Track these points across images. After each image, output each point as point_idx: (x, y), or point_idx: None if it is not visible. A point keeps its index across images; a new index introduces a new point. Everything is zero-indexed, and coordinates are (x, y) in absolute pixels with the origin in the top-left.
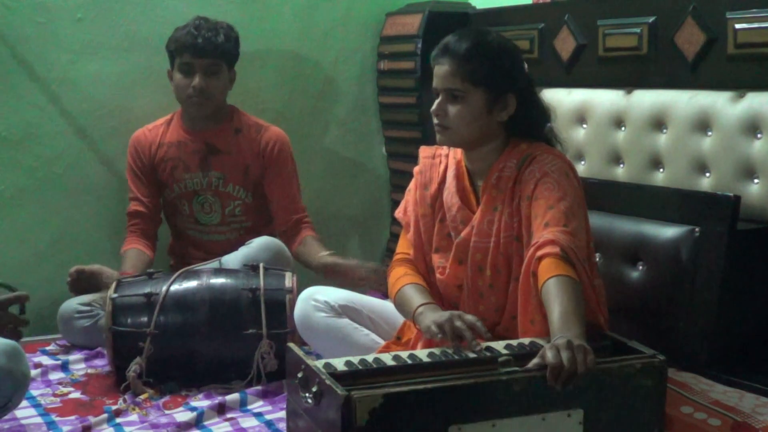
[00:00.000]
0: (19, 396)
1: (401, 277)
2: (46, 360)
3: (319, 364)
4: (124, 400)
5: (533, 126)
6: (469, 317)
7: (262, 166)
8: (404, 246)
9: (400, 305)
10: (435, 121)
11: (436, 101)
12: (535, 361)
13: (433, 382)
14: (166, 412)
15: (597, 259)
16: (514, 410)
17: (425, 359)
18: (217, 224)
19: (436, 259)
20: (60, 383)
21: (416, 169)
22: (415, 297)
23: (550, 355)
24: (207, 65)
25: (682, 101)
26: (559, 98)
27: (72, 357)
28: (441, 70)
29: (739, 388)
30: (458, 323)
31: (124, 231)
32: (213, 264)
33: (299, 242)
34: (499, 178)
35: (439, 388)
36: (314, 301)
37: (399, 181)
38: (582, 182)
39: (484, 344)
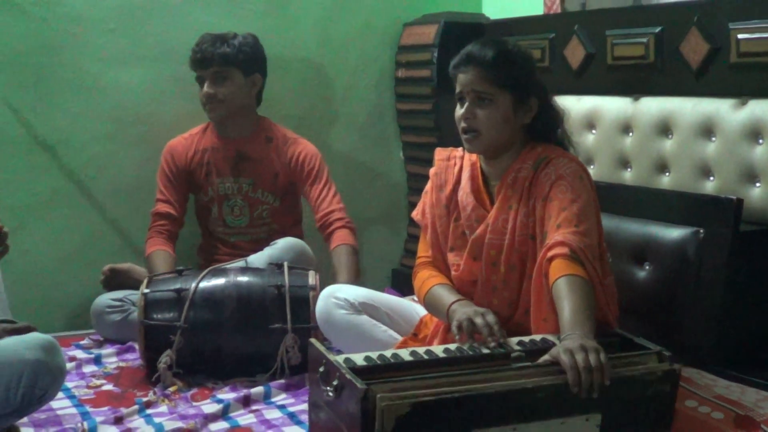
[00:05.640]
0: (55, 388)
1: (427, 279)
2: (80, 354)
3: (339, 359)
4: (154, 392)
5: (549, 129)
6: (491, 318)
7: (290, 175)
8: (424, 249)
9: (431, 305)
10: (463, 125)
11: (465, 106)
12: (546, 358)
13: (455, 384)
14: (194, 403)
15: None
16: (534, 415)
17: (441, 355)
18: (245, 226)
19: (451, 258)
20: (93, 376)
21: (432, 171)
22: (446, 295)
23: (565, 358)
24: (213, 74)
25: (687, 108)
26: (569, 105)
27: (104, 351)
28: (467, 77)
29: (741, 383)
30: (479, 320)
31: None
32: (239, 263)
33: (333, 248)
34: (515, 179)
35: (464, 396)
36: (335, 298)
37: (416, 184)
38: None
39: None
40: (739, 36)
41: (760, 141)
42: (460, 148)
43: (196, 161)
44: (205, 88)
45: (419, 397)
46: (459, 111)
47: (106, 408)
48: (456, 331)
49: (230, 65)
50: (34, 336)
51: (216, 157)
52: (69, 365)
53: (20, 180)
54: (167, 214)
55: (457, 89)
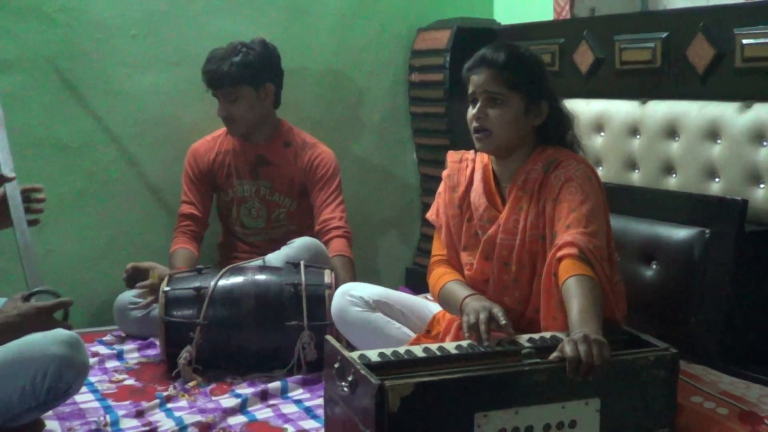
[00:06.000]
0: (79, 383)
1: (441, 276)
2: (102, 349)
3: (354, 355)
4: (174, 387)
5: (559, 132)
6: (496, 310)
7: (305, 178)
8: (438, 248)
9: (445, 300)
10: (475, 125)
11: (477, 106)
12: (555, 354)
13: (461, 372)
14: (213, 398)
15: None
16: (535, 399)
17: (453, 351)
18: (262, 228)
19: (464, 257)
20: (115, 371)
21: (445, 173)
22: (459, 291)
23: (568, 348)
24: (223, 94)
25: (693, 111)
26: (579, 108)
27: (126, 347)
28: (480, 78)
29: (745, 380)
30: (482, 316)
31: (173, 230)
32: (257, 262)
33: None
34: (525, 180)
35: (467, 378)
36: (350, 296)
37: (429, 186)
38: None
39: (500, 338)
40: (744, 41)
41: (765, 143)
42: (472, 151)
43: (218, 162)
44: (219, 108)
45: (422, 379)
46: (471, 111)
47: (127, 402)
48: (466, 331)
49: (238, 84)
50: (59, 332)
51: (237, 159)
52: (92, 360)
53: (46, 181)
54: (191, 214)
55: (470, 90)
